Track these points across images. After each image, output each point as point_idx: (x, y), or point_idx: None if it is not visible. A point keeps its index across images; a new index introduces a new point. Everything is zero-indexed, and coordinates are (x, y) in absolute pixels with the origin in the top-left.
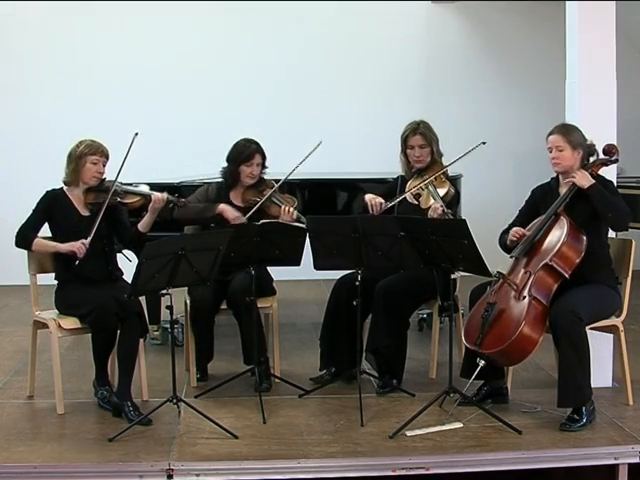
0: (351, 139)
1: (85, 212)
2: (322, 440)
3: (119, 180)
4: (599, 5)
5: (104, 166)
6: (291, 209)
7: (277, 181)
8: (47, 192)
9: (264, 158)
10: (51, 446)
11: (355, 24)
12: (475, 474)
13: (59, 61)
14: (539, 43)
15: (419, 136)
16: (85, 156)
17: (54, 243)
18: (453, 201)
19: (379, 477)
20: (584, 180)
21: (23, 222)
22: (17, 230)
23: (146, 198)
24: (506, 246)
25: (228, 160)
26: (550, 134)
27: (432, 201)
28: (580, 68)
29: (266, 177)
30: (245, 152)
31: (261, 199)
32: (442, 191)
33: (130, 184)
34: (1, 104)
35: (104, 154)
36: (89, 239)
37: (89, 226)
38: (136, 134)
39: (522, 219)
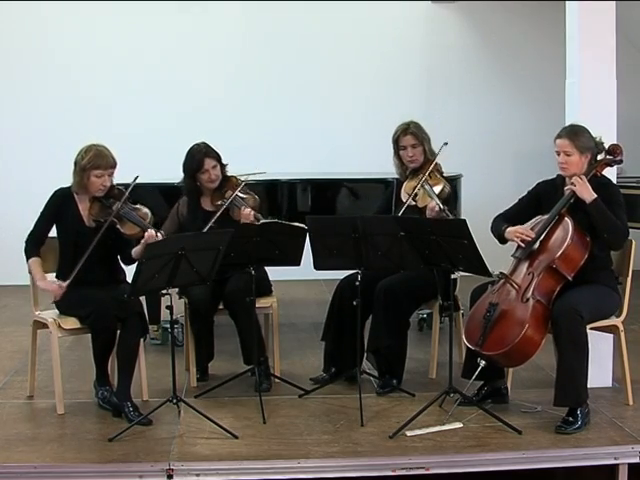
0: (351, 139)
1: (89, 223)
2: (322, 440)
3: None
4: (599, 5)
5: (110, 176)
6: (247, 210)
7: (239, 179)
8: (56, 191)
9: (218, 158)
10: (51, 446)
11: (354, 24)
12: (475, 474)
13: (58, 61)
14: (539, 43)
15: (410, 136)
16: (89, 170)
17: (40, 275)
18: (449, 198)
19: (379, 477)
20: (586, 193)
21: (32, 227)
22: (27, 235)
23: (143, 231)
24: (501, 237)
25: (184, 172)
26: (558, 137)
27: (428, 200)
28: (580, 68)
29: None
30: (194, 161)
31: (224, 203)
32: (437, 189)
33: (135, 205)
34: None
35: (109, 165)
36: (67, 282)
37: (89, 241)
38: (136, 177)
39: (521, 208)
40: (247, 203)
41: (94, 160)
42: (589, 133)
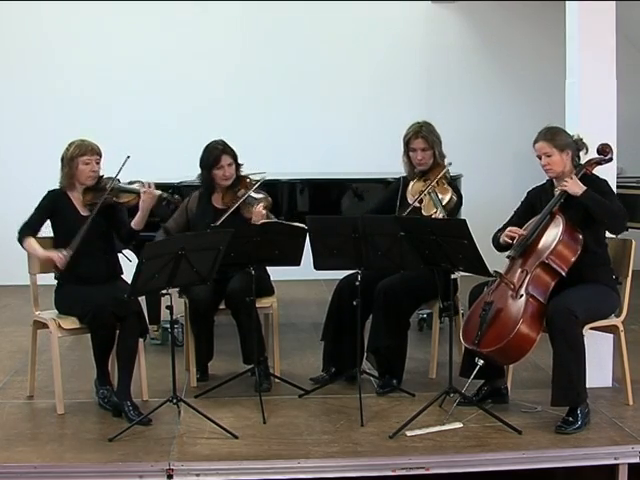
0: (351, 139)
1: (85, 212)
2: (322, 440)
3: (117, 178)
4: (599, 5)
5: (98, 164)
6: (259, 208)
7: (253, 179)
8: (49, 191)
9: (234, 157)
10: (51, 446)
11: (355, 25)
12: (475, 474)
13: (58, 61)
14: (539, 43)
15: (421, 139)
16: (76, 158)
17: (38, 249)
18: (455, 208)
19: (379, 477)
20: (576, 187)
21: (25, 220)
22: (20, 226)
23: (139, 195)
24: (500, 245)
25: (200, 167)
26: (535, 142)
27: (434, 209)
28: (580, 68)
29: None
30: (212, 156)
31: (236, 202)
32: (444, 198)
33: (129, 183)
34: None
35: (95, 152)
36: (69, 251)
37: (87, 229)
38: (128, 157)
39: (517, 219)
40: (260, 202)
41: (79, 148)
42: (565, 132)
